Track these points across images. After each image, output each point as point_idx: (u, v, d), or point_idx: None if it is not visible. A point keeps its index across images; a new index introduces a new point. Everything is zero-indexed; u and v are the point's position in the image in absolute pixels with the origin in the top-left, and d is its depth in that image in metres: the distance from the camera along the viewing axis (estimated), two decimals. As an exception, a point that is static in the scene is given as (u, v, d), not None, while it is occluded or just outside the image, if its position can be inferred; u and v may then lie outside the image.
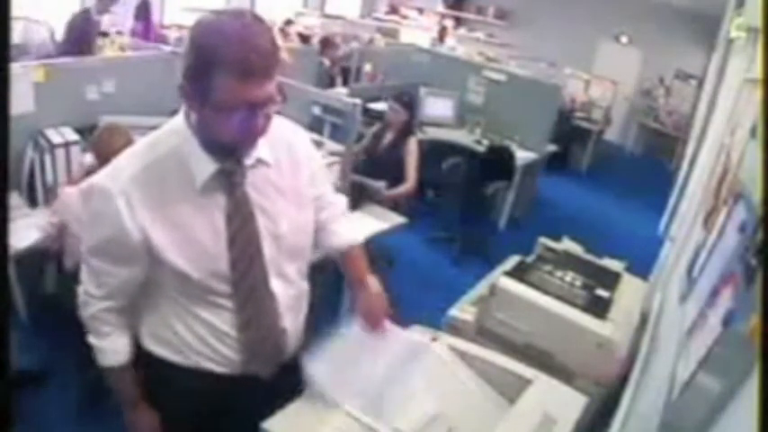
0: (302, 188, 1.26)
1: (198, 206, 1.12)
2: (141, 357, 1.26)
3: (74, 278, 1.27)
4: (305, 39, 6.80)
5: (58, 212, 2.19)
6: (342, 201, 1.46)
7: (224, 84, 0.99)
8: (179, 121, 1.13)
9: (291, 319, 1.30)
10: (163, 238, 1.10)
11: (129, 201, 1.07)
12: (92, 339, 1.22)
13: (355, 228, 1.50)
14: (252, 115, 1.04)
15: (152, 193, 1.08)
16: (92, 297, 1.19)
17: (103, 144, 2.18)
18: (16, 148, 2.62)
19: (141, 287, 1.20)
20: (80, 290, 1.21)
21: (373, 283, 1.40)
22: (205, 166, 1.10)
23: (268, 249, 1.19)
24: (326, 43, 5.99)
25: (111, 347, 1.22)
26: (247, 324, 1.21)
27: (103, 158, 2.16)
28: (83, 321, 1.23)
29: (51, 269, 2.46)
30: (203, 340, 1.21)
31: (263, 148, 1.15)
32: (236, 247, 1.15)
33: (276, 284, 1.23)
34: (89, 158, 2.37)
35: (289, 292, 1.27)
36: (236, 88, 1.00)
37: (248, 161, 1.14)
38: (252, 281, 1.19)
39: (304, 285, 1.35)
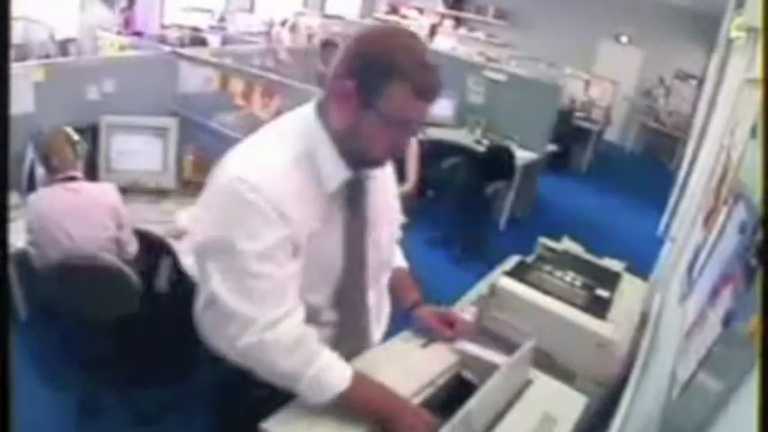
0: (392, 201, 1.29)
1: (324, 210, 1.07)
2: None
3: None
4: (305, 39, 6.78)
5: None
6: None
7: (399, 96, 0.98)
8: (309, 120, 1.07)
9: (378, 332, 1.30)
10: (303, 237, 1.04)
11: (281, 197, 0.99)
12: (313, 371, 1.01)
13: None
14: (408, 133, 1.06)
15: (296, 193, 1.02)
16: (278, 320, 0.99)
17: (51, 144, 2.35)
18: (16, 148, 2.62)
19: None
20: (242, 329, 0.98)
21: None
22: (339, 172, 1.06)
23: (370, 259, 1.17)
24: (327, 46, 4.83)
25: (336, 362, 1.05)
26: (341, 339, 1.18)
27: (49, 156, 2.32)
28: (281, 370, 1.01)
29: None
30: None
31: None
32: (350, 256, 1.12)
33: (371, 296, 1.23)
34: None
35: (379, 302, 1.27)
36: (410, 104, 0.99)
37: (371, 173, 1.13)
38: (353, 295, 1.17)
39: (386, 294, 1.35)
